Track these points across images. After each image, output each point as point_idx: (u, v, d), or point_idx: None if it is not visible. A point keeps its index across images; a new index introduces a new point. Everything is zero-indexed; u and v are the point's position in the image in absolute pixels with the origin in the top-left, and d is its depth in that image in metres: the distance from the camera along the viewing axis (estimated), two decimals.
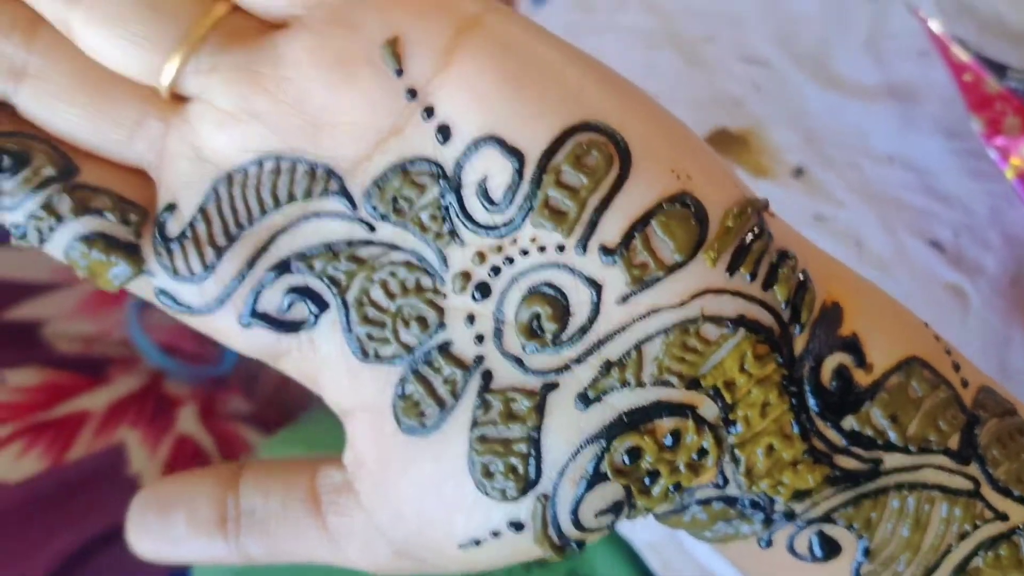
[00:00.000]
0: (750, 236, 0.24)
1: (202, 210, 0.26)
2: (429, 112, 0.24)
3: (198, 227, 0.26)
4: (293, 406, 0.77)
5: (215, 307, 0.26)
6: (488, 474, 0.25)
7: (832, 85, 0.49)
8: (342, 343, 0.26)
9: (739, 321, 0.24)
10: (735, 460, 0.24)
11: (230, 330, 0.26)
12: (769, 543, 0.25)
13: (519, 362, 0.25)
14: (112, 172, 0.26)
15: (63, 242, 0.26)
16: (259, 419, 0.73)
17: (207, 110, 0.26)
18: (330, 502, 0.28)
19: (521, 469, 0.25)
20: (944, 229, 0.46)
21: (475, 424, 0.25)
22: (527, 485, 0.24)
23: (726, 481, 0.25)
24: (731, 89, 0.50)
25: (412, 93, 0.25)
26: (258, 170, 0.26)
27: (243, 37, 0.26)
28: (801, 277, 0.24)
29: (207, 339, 0.77)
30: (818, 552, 0.25)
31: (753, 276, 0.24)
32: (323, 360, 0.26)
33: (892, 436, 0.24)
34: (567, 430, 0.25)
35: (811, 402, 0.24)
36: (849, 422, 0.24)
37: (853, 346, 0.25)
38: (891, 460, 0.25)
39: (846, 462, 0.25)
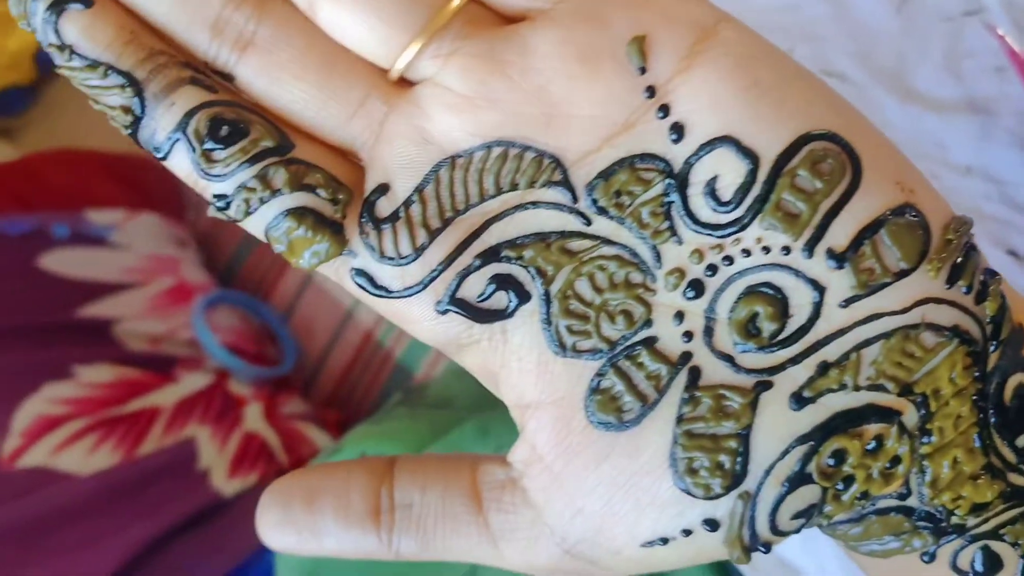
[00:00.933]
0: (966, 250, 0.25)
1: (419, 191, 0.26)
2: (664, 110, 0.25)
3: (413, 209, 0.25)
4: (348, 407, 0.79)
5: (414, 291, 0.25)
6: (692, 471, 0.24)
7: (911, 99, 0.51)
8: (537, 335, 0.25)
9: (955, 331, 0.24)
10: (922, 470, 0.25)
11: (421, 316, 0.26)
12: (932, 558, 0.25)
13: (730, 360, 0.25)
14: (322, 151, 0.26)
15: (268, 216, 0.25)
16: (318, 418, 0.74)
17: (441, 93, 0.25)
18: (493, 499, 0.27)
19: (728, 465, 0.24)
20: (1021, 239, 0.47)
21: (680, 420, 0.25)
22: (733, 482, 0.24)
23: (908, 492, 0.25)
24: None
25: (651, 91, 0.25)
26: (484, 155, 0.25)
27: (482, 26, 0.26)
28: (1003, 295, 0.25)
29: (268, 341, 0.79)
30: (980, 567, 0.25)
31: (969, 289, 0.24)
32: (512, 352, 0.25)
33: None
34: (779, 429, 0.24)
35: (993, 419, 0.25)
36: (1023, 440, 0.25)
37: None
38: None
39: (1017, 479, 0.25)
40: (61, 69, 0.25)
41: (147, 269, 0.76)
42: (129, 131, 0.25)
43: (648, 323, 0.25)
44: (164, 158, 0.25)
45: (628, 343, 0.25)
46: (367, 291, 0.26)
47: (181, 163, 0.25)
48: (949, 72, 0.51)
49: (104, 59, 0.25)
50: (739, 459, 0.24)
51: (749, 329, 0.25)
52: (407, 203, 0.26)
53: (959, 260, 0.24)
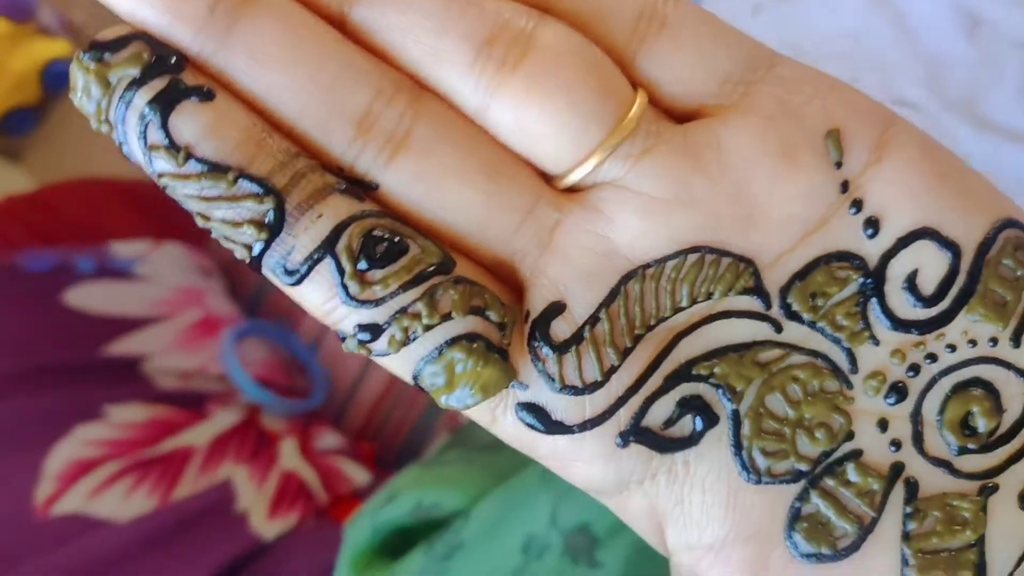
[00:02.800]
0: None
1: (605, 307, 0.23)
2: (857, 205, 0.23)
3: (599, 328, 0.23)
4: (382, 439, 0.77)
5: (596, 423, 0.23)
6: None
7: (986, 128, 0.49)
8: (725, 462, 0.23)
9: None
10: None
11: (593, 453, 0.23)
12: None
13: (947, 466, 0.23)
14: (478, 269, 0.23)
15: (430, 347, 0.22)
16: (354, 452, 0.72)
17: (629, 196, 0.23)
18: None
19: None
20: None
21: (908, 538, 0.22)
22: None
23: None
24: None
25: (844, 186, 0.23)
26: (679, 263, 0.23)
27: (665, 124, 0.24)
28: None
29: (298, 372, 0.78)
30: None
31: None
32: (695, 485, 0.23)
33: None
34: (1012, 534, 0.23)
35: None
36: None
37: None
38: None
39: None
40: (163, 178, 0.21)
41: (174, 301, 0.75)
42: (253, 252, 0.22)
43: (850, 435, 0.23)
44: (297, 283, 0.22)
45: (831, 460, 0.23)
46: (536, 428, 0.23)
47: (319, 289, 0.22)
48: (1023, 100, 0.50)
49: (233, 163, 0.21)
50: (978, 573, 0.22)
51: (964, 430, 0.23)
52: (592, 321, 0.23)
53: None
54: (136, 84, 0.21)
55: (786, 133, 0.23)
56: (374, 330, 0.22)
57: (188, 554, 0.60)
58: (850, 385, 0.23)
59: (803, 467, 0.23)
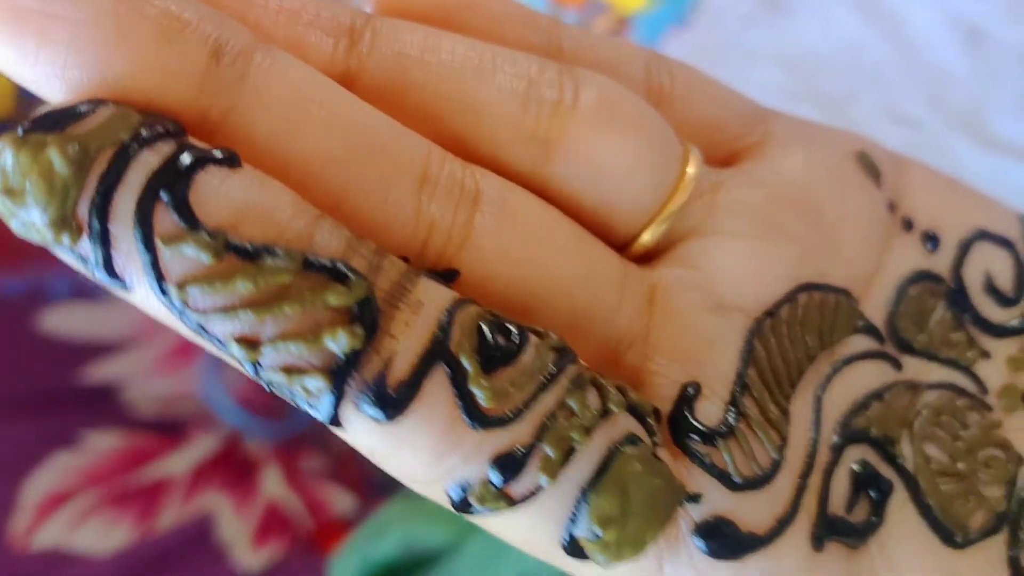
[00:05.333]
0: None
1: (747, 374, 0.19)
2: (908, 224, 0.23)
3: (749, 399, 0.19)
4: (369, 461, 0.75)
5: (789, 518, 0.18)
6: None
7: (990, 146, 0.48)
8: (921, 534, 0.19)
9: None
10: None
11: (793, 566, 0.18)
12: None
13: None
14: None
15: (595, 461, 0.17)
16: (340, 476, 0.70)
17: (722, 240, 0.20)
18: None
19: None
20: None
21: None
22: None
23: None
24: None
25: (891, 206, 0.23)
26: (792, 308, 0.20)
27: (714, 168, 0.22)
28: None
29: None
30: None
31: None
32: (903, 573, 0.19)
33: None
34: None
35: None
36: None
37: None
38: None
39: None
40: (192, 287, 0.14)
41: (151, 324, 0.72)
42: (338, 377, 0.15)
43: (1020, 459, 0.21)
44: (399, 414, 0.16)
45: (1019, 491, 0.20)
46: (728, 556, 0.18)
47: (435, 415, 0.16)
48: None
49: (289, 246, 0.15)
50: None
51: None
52: (743, 390, 0.19)
53: None
54: (125, 154, 0.15)
55: (829, 157, 0.23)
56: (517, 460, 0.16)
57: None
58: (989, 407, 0.21)
59: (1000, 508, 0.20)
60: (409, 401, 0.15)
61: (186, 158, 0.15)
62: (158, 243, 0.15)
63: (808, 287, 0.20)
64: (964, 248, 0.23)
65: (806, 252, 0.21)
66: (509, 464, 0.16)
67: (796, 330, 0.20)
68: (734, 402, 0.19)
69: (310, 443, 0.73)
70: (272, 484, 0.66)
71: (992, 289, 0.23)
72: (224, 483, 0.65)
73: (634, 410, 0.17)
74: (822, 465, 0.19)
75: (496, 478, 0.16)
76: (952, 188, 0.24)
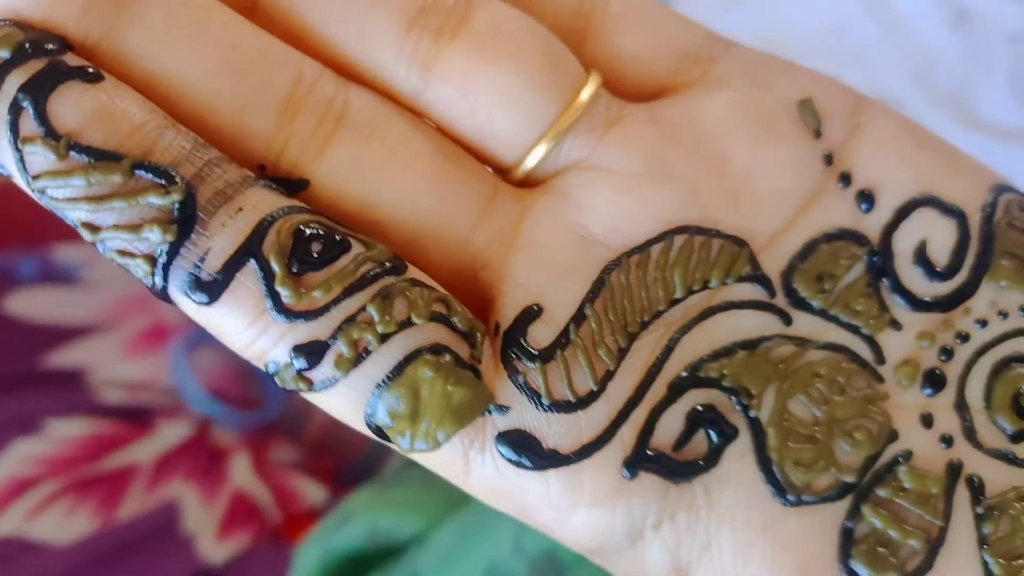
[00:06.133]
0: None
1: (591, 304, 0.20)
2: (846, 179, 0.22)
3: (585, 327, 0.19)
4: (341, 452, 0.74)
5: (596, 447, 0.19)
6: None
7: (975, 127, 0.47)
8: (755, 485, 0.19)
9: None
10: None
11: (595, 491, 0.19)
12: None
13: (1008, 456, 0.20)
14: (430, 279, 0.20)
15: (387, 364, 0.18)
16: (310, 467, 0.69)
17: (600, 176, 0.21)
18: None
19: None
20: None
21: (986, 544, 0.19)
22: None
23: None
24: None
25: (829, 158, 0.22)
26: (665, 247, 0.20)
27: (623, 101, 0.22)
28: None
29: (254, 380, 0.76)
30: None
31: None
32: (723, 518, 0.19)
33: None
34: None
35: None
36: None
37: None
38: None
39: None
40: (41, 179, 0.17)
41: (120, 308, 0.71)
42: (159, 260, 0.18)
43: (893, 435, 0.20)
44: (214, 299, 0.18)
45: (877, 466, 0.20)
46: (524, 464, 0.19)
47: (243, 304, 0.18)
48: (1016, 98, 0.48)
49: (126, 151, 0.18)
50: None
51: (1016, 411, 0.21)
52: (577, 321, 0.20)
53: None
54: (6, 67, 0.18)
55: (762, 101, 0.22)
56: (315, 351, 0.18)
57: None
58: (880, 378, 0.21)
59: (848, 478, 0.19)
60: (220, 290, 0.18)
61: (52, 72, 0.17)
62: (20, 143, 0.17)
63: (687, 230, 0.21)
64: (902, 212, 0.22)
65: (693, 196, 0.21)
66: (308, 354, 0.18)
67: (661, 270, 0.20)
68: (566, 330, 0.20)
69: (281, 433, 0.72)
70: (240, 474, 0.65)
71: (923, 260, 0.21)
72: (191, 472, 0.64)
73: (452, 324, 0.19)
74: (653, 402, 0.19)
75: (299, 364, 0.18)
76: (919, 147, 0.22)
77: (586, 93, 0.21)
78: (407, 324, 0.18)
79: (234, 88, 0.19)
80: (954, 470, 0.20)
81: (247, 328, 0.18)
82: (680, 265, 0.20)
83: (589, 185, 0.21)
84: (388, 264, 0.19)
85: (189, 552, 0.59)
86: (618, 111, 0.21)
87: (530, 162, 0.21)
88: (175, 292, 0.18)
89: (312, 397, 0.19)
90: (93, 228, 0.18)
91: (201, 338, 0.72)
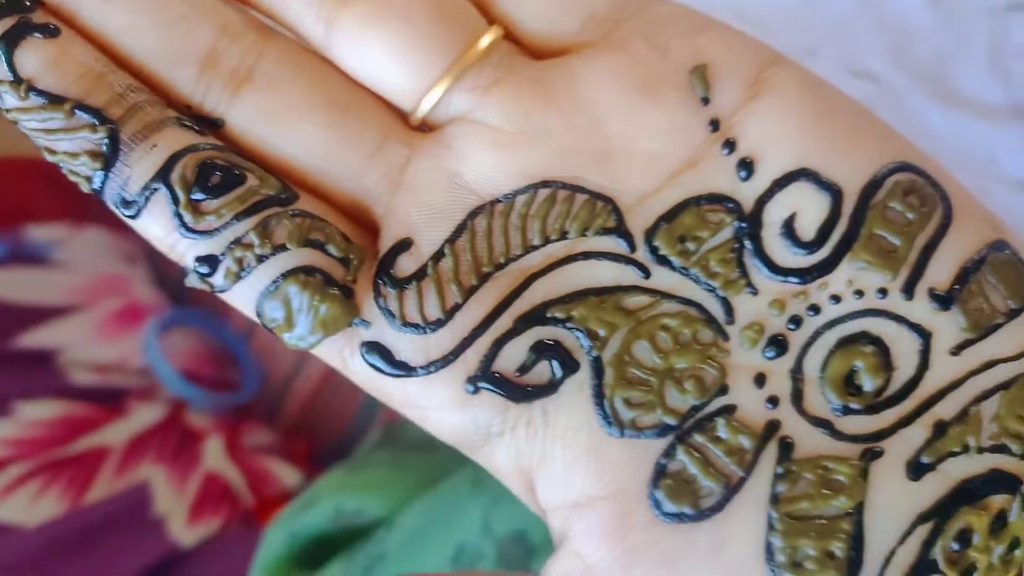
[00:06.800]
0: None
1: (450, 244, 0.22)
2: (730, 145, 0.22)
3: (443, 264, 0.22)
4: (318, 435, 0.73)
5: (441, 365, 0.22)
6: (795, 564, 0.21)
7: (954, 104, 0.46)
8: (587, 413, 0.22)
9: None
10: None
11: (444, 400, 0.22)
12: None
13: (828, 426, 0.22)
14: (326, 207, 0.23)
15: (267, 278, 0.22)
16: (285, 451, 0.69)
17: (478, 130, 0.23)
18: None
19: (841, 555, 0.20)
20: None
21: (777, 500, 0.21)
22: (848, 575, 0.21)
23: None
24: None
25: (715, 124, 0.23)
26: (529, 199, 0.23)
27: (522, 59, 0.24)
28: None
29: (229, 364, 0.75)
30: None
31: None
32: (556, 437, 0.22)
33: None
34: (896, 505, 0.21)
35: None
36: None
37: None
38: None
39: None
40: (11, 112, 0.22)
41: (93, 290, 0.71)
42: (94, 184, 0.22)
43: (723, 389, 0.22)
44: (136, 215, 0.22)
45: (700, 415, 0.22)
46: (381, 370, 0.22)
47: (158, 220, 0.22)
48: (995, 73, 0.47)
49: (71, 95, 0.22)
50: (853, 545, 0.21)
51: (848, 388, 0.22)
52: (436, 257, 0.22)
53: None
54: None
55: (647, 68, 0.23)
56: (211, 262, 0.22)
57: (100, 562, 0.58)
58: (726, 336, 0.22)
59: (671, 421, 0.22)
60: (140, 209, 0.22)
61: (20, 28, 0.22)
62: None
63: (552, 184, 0.23)
64: (778, 183, 0.22)
65: (563, 155, 0.23)
66: (206, 264, 0.22)
67: (520, 218, 0.22)
68: (425, 264, 0.22)
69: (256, 417, 0.72)
70: (213, 456, 0.65)
71: (790, 232, 0.22)
72: (162, 455, 0.63)
73: (327, 249, 0.22)
74: (498, 332, 0.22)
75: (202, 270, 0.22)
76: (817, 117, 0.22)
77: (480, 45, 0.23)
78: (282, 248, 0.22)
79: (164, 41, 0.23)
80: (771, 429, 0.21)
81: (165, 238, 0.22)
82: (540, 215, 0.22)
83: (467, 137, 0.23)
84: (276, 196, 0.22)
85: (159, 535, 0.59)
86: (508, 69, 0.23)
87: (422, 111, 0.23)
88: (108, 203, 0.22)
89: (220, 296, 0.22)
90: (51, 152, 0.22)
91: (174, 320, 0.72)
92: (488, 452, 0.22)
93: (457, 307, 0.22)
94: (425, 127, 0.24)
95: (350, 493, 0.51)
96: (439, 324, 0.22)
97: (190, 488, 0.62)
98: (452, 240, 0.22)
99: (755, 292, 0.22)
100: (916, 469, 0.21)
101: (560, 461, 0.22)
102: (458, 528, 0.47)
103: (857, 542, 0.21)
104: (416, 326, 0.22)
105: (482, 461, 0.23)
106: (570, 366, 0.22)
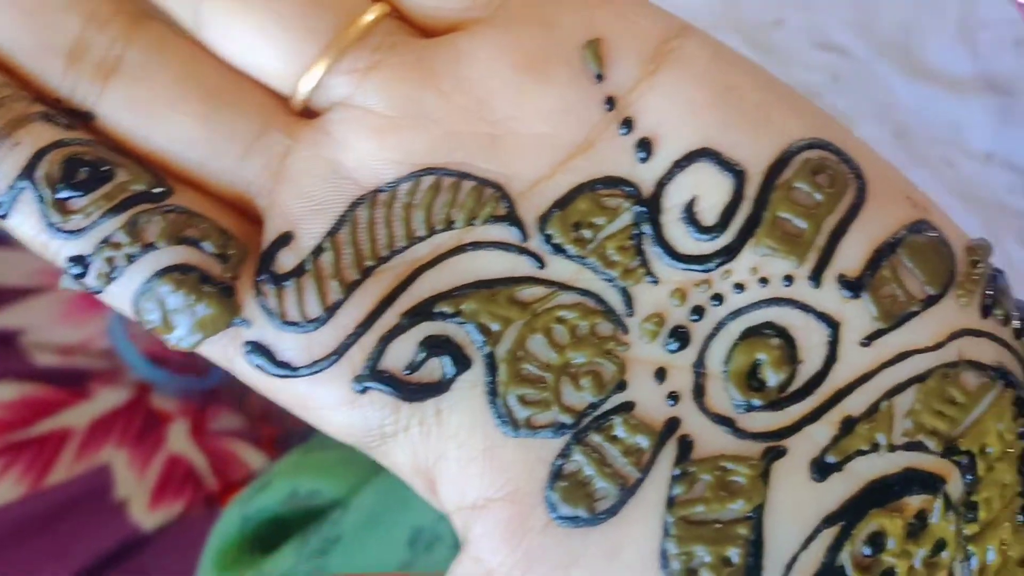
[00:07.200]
0: (995, 276, 0.21)
1: (331, 237, 0.21)
2: (627, 125, 0.21)
3: (323, 258, 0.21)
4: (286, 420, 0.72)
5: (324, 365, 0.21)
6: (690, 571, 0.19)
7: (921, 76, 0.46)
8: (481, 412, 0.21)
9: (999, 371, 0.20)
10: (967, 558, 0.20)
11: (334, 399, 0.21)
12: None
13: (729, 424, 0.20)
14: (208, 200, 0.22)
15: (139, 278, 0.21)
16: (252, 435, 0.69)
17: (358, 115, 0.22)
18: None
19: (738, 560, 0.19)
20: None
21: (672, 504, 0.20)
22: None
23: None
24: (806, 80, 0.46)
25: (611, 102, 0.21)
26: (412, 187, 0.22)
27: (406, 38, 0.23)
28: None
29: None
30: None
31: (1006, 320, 0.21)
32: (450, 437, 0.21)
33: None
34: (799, 508, 0.20)
35: None
36: None
37: None
38: None
39: None
40: None
41: (58, 271, 0.69)
42: None
43: (621, 385, 0.21)
44: (5, 216, 0.21)
45: (597, 412, 0.21)
46: (264, 371, 0.21)
47: (28, 220, 0.21)
48: (963, 45, 0.46)
49: None
50: (751, 551, 0.20)
51: (751, 382, 0.21)
52: (316, 252, 0.21)
53: (991, 285, 0.21)
54: None
55: (535, 44, 0.22)
56: (83, 263, 0.21)
57: (59, 545, 0.57)
58: (625, 329, 0.21)
59: (567, 419, 0.21)
60: (8, 210, 0.21)
61: None
62: None
63: (436, 171, 0.22)
64: (679, 164, 0.21)
65: (448, 140, 0.22)
66: (78, 265, 0.21)
67: (406, 209, 0.21)
68: (305, 260, 0.21)
69: (223, 401, 0.71)
70: (177, 439, 0.64)
71: (691, 216, 0.21)
72: (125, 437, 0.63)
73: (201, 246, 0.21)
74: (383, 329, 0.21)
75: (74, 271, 0.21)
76: (721, 92, 0.21)
77: (353, 29, 0.22)
78: (153, 247, 0.21)
79: (29, 32, 0.22)
80: (670, 427, 0.20)
81: (36, 238, 0.21)
82: (424, 204, 0.21)
83: (347, 123, 0.22)
84: (147, 191, 0.21)
85: (120, 518, 0.59)
86: (390, 49, 0.22)
87: (300, 95, 0.22)
88: None
89: (98, 297, 0.22)
90: None
91: None
92: (386, 452, 0.22)
93: (338, 304, 0.21)
94: (312, 114, 0.23)
95: (306, 475, 0.50)
96: (320, 322, 0.21)
97: (152, 471, 0.61)
98: (333, 233, 0.22)
99: (656, 281, 0.21)
100: (821, 469, 0.20)
101: (456, 462, 0.21)
102: (414, 511, 0.46)
103: (756, 547, 0.20)
104: (297, 324, 0.21)
105: (382, 461, 0.22)
106: (462, 363, 0.21)
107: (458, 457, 0.21)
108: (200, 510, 0.60)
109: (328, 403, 0.21)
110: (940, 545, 0.20)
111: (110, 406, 0.64)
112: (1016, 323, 0.21)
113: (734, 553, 0.19)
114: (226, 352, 0.22)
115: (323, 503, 0.48)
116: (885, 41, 0.46)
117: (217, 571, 0.47)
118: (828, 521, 0.20)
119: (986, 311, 0.21)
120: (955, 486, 0.20)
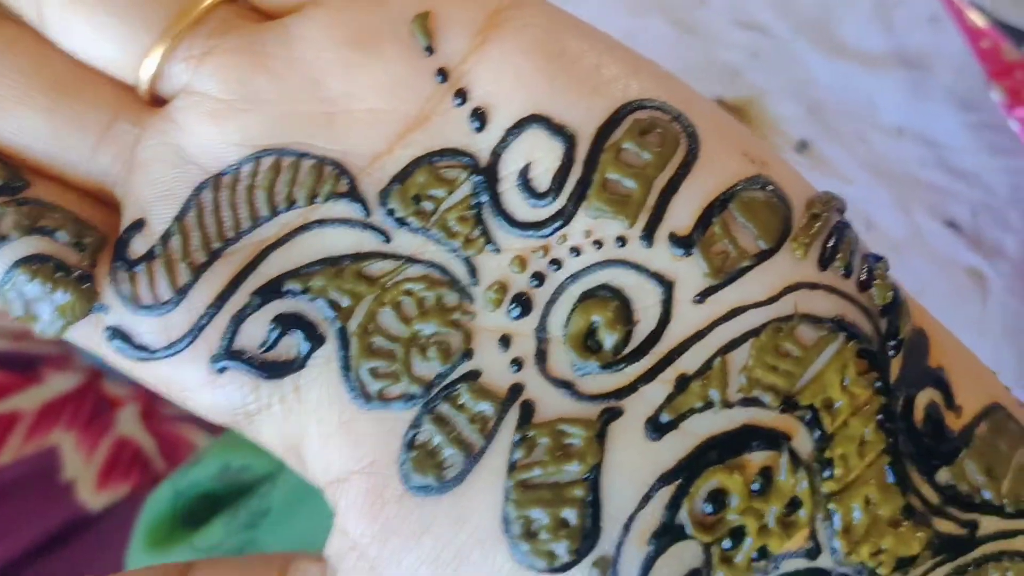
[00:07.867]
0: (840, 229, 0.21)
1: (178, 221, 0.22)
2: (462, 96, 0.22)
3: (171, 243, 0.22)
4: None
5: (181, 346, 0.21)
6: (530, 534, 0.20)
7: (837, 53, 0.46)
8: (336, 387, 0.21)
9: (838, 323, 0.20)
10: (829, 516, 0.20)
11: (195, 380, 0.21)
12: None
13: (569, 387, 0.21)
14: (64, 192, 0.22)
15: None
16: (203, 420, 0.68)
17: (198, 101, 0.22)
18: None
19: (576, 522, 0.19)
20: (961, 208, 0.43)
21: (513, 469, 0.20)
22: (583, 544, 0.19)
23: (818, 548, 0.20)
24: (727, 57, 0.46)
25: (443, 74, 0.22)
26: (253, 168, 0.22)
27: (242, 22, 0.23)
28: (895, 284, 0.21)
29: None
30: None
31: (848, 272, 0.21)
32: (310, 413, 0.21)
33: (987, 495, 0.21)
34: (635, 467, 0.20)
35: (906, 447, 0.20)
36: (944, 475, 0.21)
37: (942, 382, 0.21)
38: (987, 524, 0.21)
39: (944, 525, 0.20)
40: None
41: None
42: None
43: (468, 354, 0.21)
44: None
45: (445, 382, 0.21)
46: (125, 354, 0.22)
47: None
48: (879, 22, 0.47)
49: None
50: (588, 512, 0.20)
51: (588, 344, 0.21)
52: (165, 237, 0.22)
53: (831, 238, 0.21)
54: None
55: (363, 21, 0.22)
56: None
57: (4, 524, 0.57)
58: (471, 299, 0.21)
59: (416, 390, 0.21)
60: None
61: None
62: None
63: (275, 151, 0.22)
64: (512, 132, 0.21)
65: (283, 121, 0.22)
66: None
67: (248, 191, 0.22)
68: (155, 245, 0.22)
69: None
70: (126, 423, 0.64)
71: (526, 183, 0.21)
72: (74, 421, 0.63)
73: (55, 236, 0.21)
74: (234, 308, 0.21)
75: None
76: (551, 58, 0.21)
77: (183, 16, 0.22)
78: (6, 239, 0.21)
79: None
80: (514, 393, 0.21)
81: None
82: (265, 185, 0.22)
83: (188, 109, 0.22)
84: (4, 185, 0.21)
85: (67, 499, 0.59)
86: (224, 34, 0.22)
87: (143, 84, 0.22)
88: None
89: None
90: None
91: None
92: (256, 431, 0.22)
93: (188, 286, 0.21)
94: (164, 103, 0.23)
95: (237, 450, 0.50)
96: (172, 304, 0.21)
97: (99, 453, 0.62)
98: (180, 217, 0.22)
99: (497, 250, 0.21)
100: (656, 428, 0.20)
101: (317, 437, 0.21)
102: None
103: (593, 508, 0.20)
104: (151, 307, 0.21)
105: (255, 440, 0.22)
106: (316, 339, 0.21)
107: (319, 432, 0.21)
108: (148, 491, 0.60)
109: (191, 384, 0.21)
110: (795, 503, 0.20)
111: (61, 390, 0.64)
112: (863, 276, 0.21)
113: (571, 514, 0.20)
114: (92, 338, 0.22)
115: (253, 478, 0.48)
116: (804, 19, 0.47)
117: (148, 546, 0.47)
118: (664, 480, 0.20)
119: (824, 264, 0.21)
120: (803, 442, 0.20)
